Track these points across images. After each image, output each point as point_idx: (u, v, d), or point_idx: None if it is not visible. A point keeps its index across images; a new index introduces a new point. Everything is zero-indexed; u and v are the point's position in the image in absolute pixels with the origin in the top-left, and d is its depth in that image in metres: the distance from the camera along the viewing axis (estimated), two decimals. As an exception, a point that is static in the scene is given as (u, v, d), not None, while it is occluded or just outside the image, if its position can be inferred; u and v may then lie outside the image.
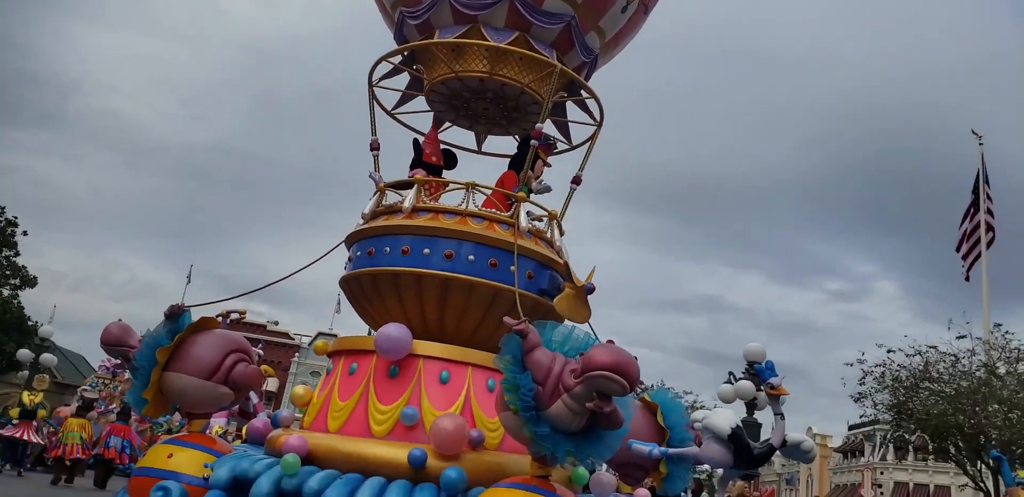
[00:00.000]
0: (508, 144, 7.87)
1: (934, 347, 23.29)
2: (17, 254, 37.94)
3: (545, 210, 6.73)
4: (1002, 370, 22.31)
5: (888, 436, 37.87)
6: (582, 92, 7.23)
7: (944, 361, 23.09)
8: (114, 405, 22.12)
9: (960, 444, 22.73)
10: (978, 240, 27.07)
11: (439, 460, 4.88)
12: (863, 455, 57.82)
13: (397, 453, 4.94)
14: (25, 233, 38.15)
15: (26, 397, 19.03)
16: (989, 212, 27.44)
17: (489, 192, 6.50)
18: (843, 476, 60.61)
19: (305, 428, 5.78)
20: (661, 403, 5.48)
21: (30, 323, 37.16)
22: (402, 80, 7.66)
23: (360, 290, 6.27)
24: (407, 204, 6.23)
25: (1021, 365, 22.61)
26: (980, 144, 28.90)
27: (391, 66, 7.35)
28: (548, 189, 6.99)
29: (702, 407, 25.62)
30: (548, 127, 7.28)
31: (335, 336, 7.61)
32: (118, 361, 6.78)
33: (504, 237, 6.03)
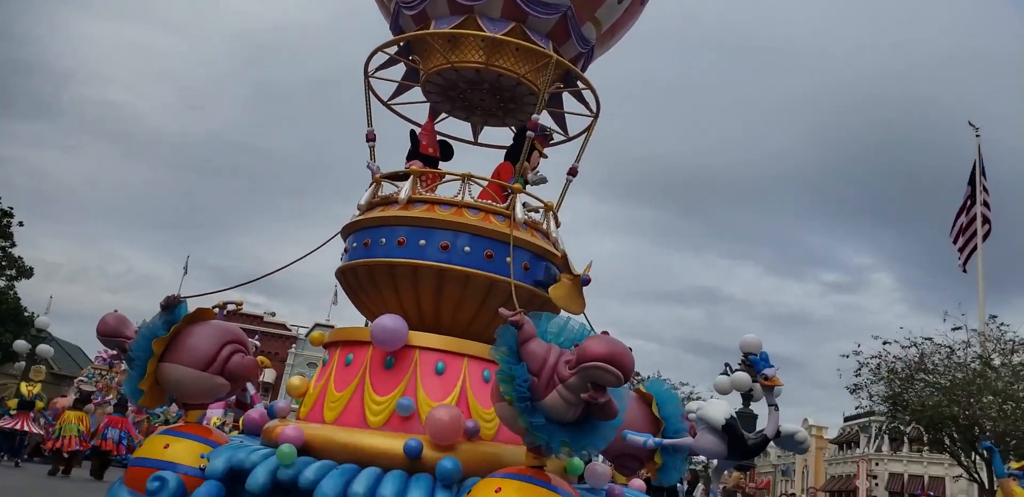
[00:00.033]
0: (504, 135, 7.87)
1: (929, 339, 23.40)
2: (13, 245, 37.86)
3: (541, 201, 6.73)
4: (997, 362, 22.41)
5: (883, 427, 38.04)
6: (578, 83, 7.21)
7: (939, 353, 23.19)
8: (111, 396, 22.18)
9: (955, 435, 22.85)
10: (975, 232, 27.11)
11: (435, 450, 4.89)
12: (858, 446, 58.11)
13: (393, 444, 4.95)
14: (21, 224, 38.08)
15: (24, 388, 19.07)
16: (986, 204, 27.46)
17: (485, 183, 6.49)
18: (838, 467, 60.91)
19: (301, 419, 5.79)
20: (656, 394, 5.49)
21: (26, 314, 37.15)
22: (398, 71, 7.64)
23: (356, 281, 6.27)
24: (403, 195, 6.23)
25: (1016, 357, 22.71)
26: (977, 135, 28.90)
27: (387, 57, 7.33)
28: (544, 180, 6.99)
29: (699, 398, 25.71)
30: (544, 118, 7.26)
31: (332, 327, 7.65)
32: (114, 352, 6.78)
33: (500, 228, 6.03)
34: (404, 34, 7.08)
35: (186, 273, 49.91)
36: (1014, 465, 10.48)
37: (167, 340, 5.42)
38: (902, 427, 29.54)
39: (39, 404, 18.92)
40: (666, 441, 5.06)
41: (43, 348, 22.33)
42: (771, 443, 5.13)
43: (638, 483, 6.04)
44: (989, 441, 14.46)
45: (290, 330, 60.46)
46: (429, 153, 7.09)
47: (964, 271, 27.59)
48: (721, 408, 4.79)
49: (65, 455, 16.78)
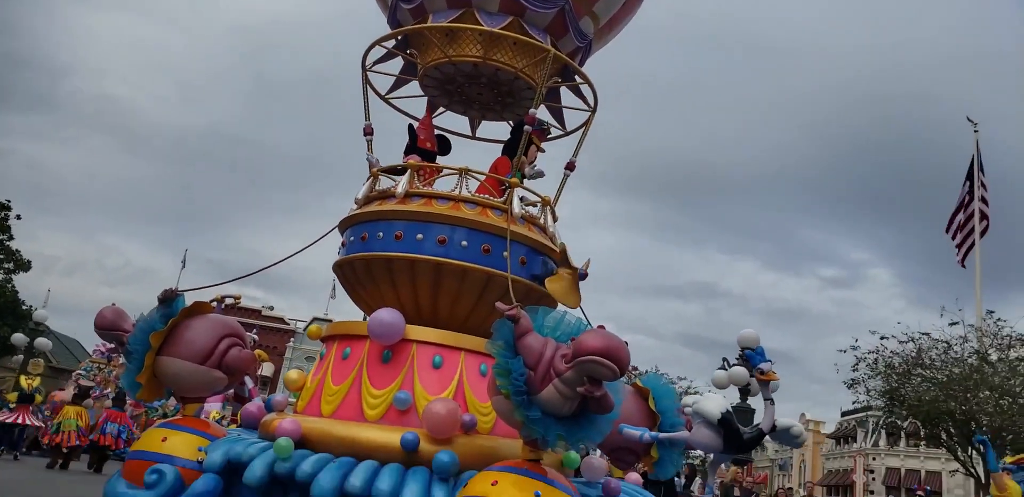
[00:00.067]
0: (502, 129, 7.86)
1: (927, 334, 23.49)
2: (11, 238, 37.82)
3: (539, 196, 6.73)
4: (994, 357, 22.48)
5: (880, 422, 38.16)
6: (576, 77, 7.21)
7: (936, 348, 23.28)
8: (109, 389, 22.20)
9: (951, 430, 22.94)
10: (972, 228, 27.14)
11: (431, 444, 4.90)
12: (855, 441, 58.27)
13: (390, 437, 4.96)
14: (19, 217, 38.05)
15: (24, 381, 19.10)
16: (983, 200, 27.49)
17: (482, 178, 6.50)
18: (835, 462, 61.10)
19: (299, 412, 5.80)
20: (653, 388, 5.50)
21: (24, 307, 37.14)
22: (396, 65, 7.64)
23: (353, 275, 6.28)
24: (400, 189, 6.23)
25: (1013, 352, 22.78)
26: (975, 131, 28.93)
27: (385, 51, 7.32)
28: (541, 174, 6.99)
29: (696, 393, 25.76)
30: (542, 112, 7.26)
31: (330, 321, 7.69)
32: (112, 345, 6.78)
33: (497, 223, 6.03)
34: (402, 28, 7.07)
35: (184, 267, 50.03)
36: (1008, 459, 10.52)
37: (165, 334, 5.43)
38: (899, 422, 29.65)
39: (38, 398, 18.95)
40: (662, 435, 5.08)
41: (41, 341, 22.34)
42: (768, 437, 5.16)
43: (634, 477, 6.06)
44: (983, 434, 14.49)
45: (288, 324, 60.50)
46: (427, 147, 7.09)
47: (963, 266, 27.64)
48: (717, 402, 4.81)
49: (64, 450, 16.83)
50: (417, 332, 5.62)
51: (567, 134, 7.71)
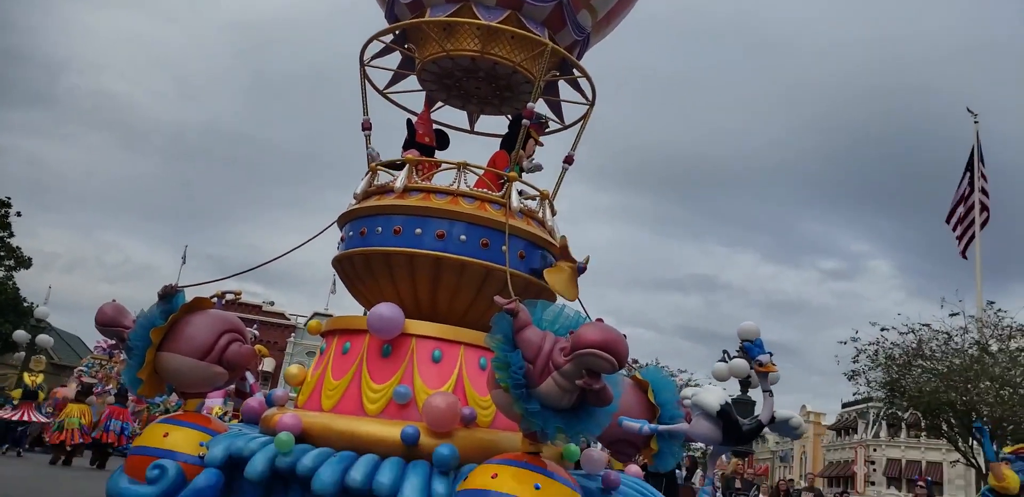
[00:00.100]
0: (501, 123, 7.86)
1: (927, 325, 23.47)
2: (11, 235, 37.80)
3: (537, 190, 6.73)
4: (994, 347, 22.48)
5: (881, 413, 38.17)
6: (574, 71, 7.20)
7: (937, 339, 23.26)
8: (111, 386, 22.24)
9: (952, 421, 22.95)
10: (973, 220, 27.13)
11: (432, 437, 4.92)
12: (856, 432, 58.38)
13: (390, 431, 4.98)
14: (19, 214, 38.02)
15: (27, 378, 19.16)
16: (984, 191, 27.46)
17: (481, 172, 6.50)
18: (836, 453, 61.22)
19: (299, 407, 5.82)
20: (652, 381, 5.51)
21: (25, 304, 37.15)
22: (394, 60, 7.63)
23: (353, 270, 6.29)
24: (399, 184, 6.23)
25: (1013, 343, 22.77)
26: (975, 122, 28.86)
27: (383, 45, 7.32)
28: (539, 168, 6.99)
29: (697, 385, 25.79)
30: (540, 106, 7.26)
31: (331, 316, 7.72)
32: (113, 342, 6.80)
33: (495, 217, 6.04)
34: (399, 22, 7.07)
35: (184, 263, 49.97)
36: (1007, 449, 10.54)
37: (165, 330, 5.45)
38: (900, 413, 29.66)
39: (40, 395, 19.01)
40: (661, 427, 5.10)
41: (43, 338, 22.39)
42: (767, 429, 5.17)
43: (634, 469, 6.08)
44: (983, 423, 14.51)
45: (289, 319, 60.48)
46: (425, 142, 7.09)
47: (964, 257, 27.63)
48: (716, 394, 4.82)
49: (68, 448, 16.89)
50: (416, 326, 5.63)
51: (565, 128, 7.71)
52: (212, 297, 6.42)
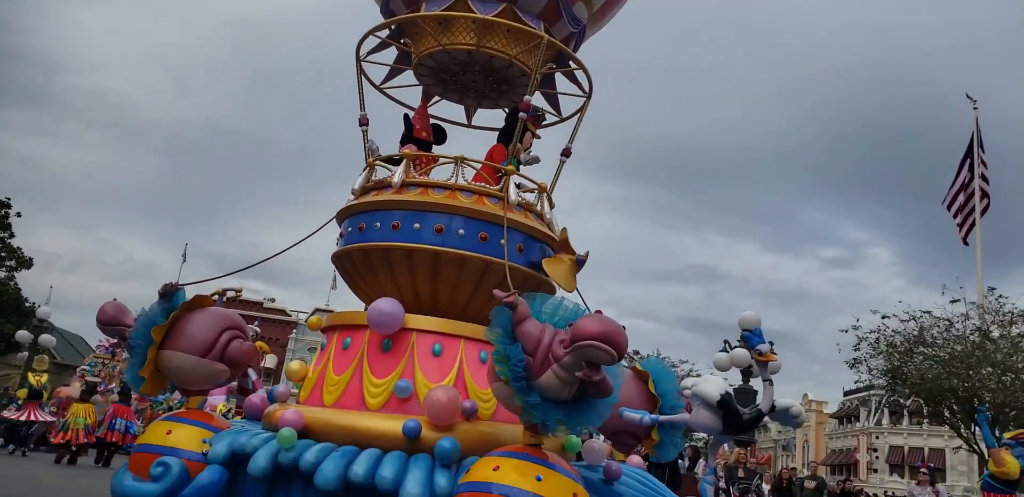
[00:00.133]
0: (498, 117, 7.86)
1: (928, 312, 23.49)
2: (11, 236, 37.81)
3: (535, 183, 6.73)
4: (996, 334, 22.49)
5: (883, 401, 38.31)
6: (571, 63, 7.19)
7: (938, 326, 23.28)
8: (114, 384, 22.29)
9: (954, 407, 22.98)
10: (973, 207, 27.12)
11: (433, 431, 4.94)
12: (858, 420, 58.46)
13: (392, 425, 5.00)
14: (19, 214, 38.01)
15: (32, 378, 19.22)
16: (984, 178, 27.44)
17: (479, 166, 6.50)
18: (839, 441, 61.33)
19: (301, 403, 5.84)
20: (652, 372, 5.53)
21: (27, 305, 37.19)
22: (391, 55, 7.62)
23: (352, 265, 6.30)
24: (396, 179, 6.24)
25: (1015, 328, 22.79)
26: (975, 108, 28.83)
27: (379, 41, 7.30)
28: (537, 160, 6.99)
29: (698, 375, 25.80)
30: (537, 99, 7.26)
31: (332, 312, 7.73)
32: (115, 340, 6.82)
33: (494, 211, 6.04)
34: (395, 17, 7.05)
35: (185, 261, 49.99)
36: (1008, 435, 10.58)
37: (166, 328, 5.46)
38: (902, 400, 29.81)
39: (44, 394, 19.07)
40: (662, 417, 5.12)
41: (45, 338, 22.40)
42: (768, 418, 5.19)
43: (636, 459, 6.10)
44: (985, 409, 14.51)
45: (290, 316, 60.54)
46: (422, 137, 7.09)
47: (966, 244, 27.64)
48: (716, 384, 4.83)
49: (73, 448, 16.94)
50: (416, 321, 5.64)
51: (563, 120, 7.70)
52: (213, 295, 6.43)
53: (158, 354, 5.47)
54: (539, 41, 6.56)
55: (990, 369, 21.46)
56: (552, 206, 6.86)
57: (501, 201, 6.15)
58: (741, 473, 16.05)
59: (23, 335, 22.33)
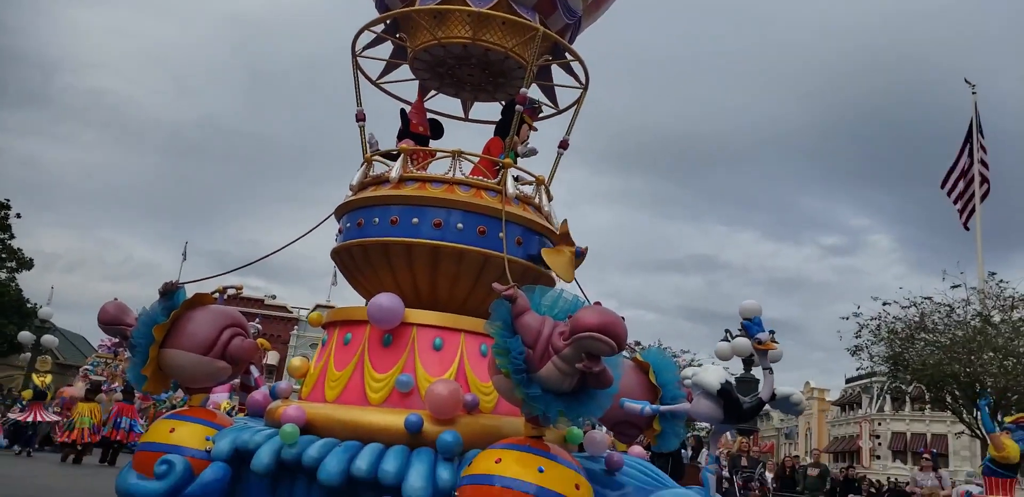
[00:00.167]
0: (495, 110, 7.85)
1: (929, 298, 23.51)
2: (12, 237, 37.86)
3: (532, 175, 6.73)
4: (997, 318, 22.52)
5: (885, 388, 38.36)
6: (567, 55, 7.18)
7: (939, 311, 23.29)
8: (117, 383, 22.35)
9: (956, 393, 23.03)
10: (973, 193, 27.10)
11: (435, 425, 4.96)
12: (861, 407, 58.65)
13: (394, 419, 5.02)
14: (19, 216, 38.06)
15: (36, 379, 19.30)
16: (983, 163, 27.42)
17: (476, 159, 6.50)
18: (841, 428, 61.54)
19: (303, 399, 5.86)
20: (653, 362, 5.53)
21: (29, 305, 37.27)
22: (386, 50, 7.61)
23: (352, 261, 6.31)
24: (394, 174, 6.24)
25: (1016, 313, 22.81)
26: (973, 93, 28.76)
27: (374, 36, 7.29)
28: (534, 152, 6.99)
29: (700, 365, 25.86)
30: (534, 91, 7.25)
31: (333, 308, 7.72)
32: (117, 340, 6.83)
33: (492, 204, 6.05)
34: (390, 12, 7.04)
35: (185, 259, 50.02)
36: (1008, 419, 10.61)
37: (167, 326, 5.48)
38: (903, 387, 29.84)
39: (47, 395, 19.13)
40: (663, 407, 5.12)
41: (48, 338, 22.44)
42: (769, 406, 5.20)
43: (638, 450, 6.13)
44: (989, 395, 14.55)
45: (291, 312, 60.58)
46: (419, 132, 7.09)
47: (966, 229, 27.64)
48: (716, 373, 4.83)
49: (78, 447, 17.00)
50: (417, 315, 5.65)
51: (560, 112, 7.70)
52: (213, 293, 6.43)
53: (160, 353, 5.48)
54: (534, 33, 6.54)
55: (991, 354, 21.49)
56: (550, 198, 6.86)
57: (499, 194, 6.16)
58: (744, 462, 16.13)
59: (26, 336, 22.37)
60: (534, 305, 4.32)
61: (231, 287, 6.96)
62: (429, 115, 7.48)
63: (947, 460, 46.99)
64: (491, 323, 4.29)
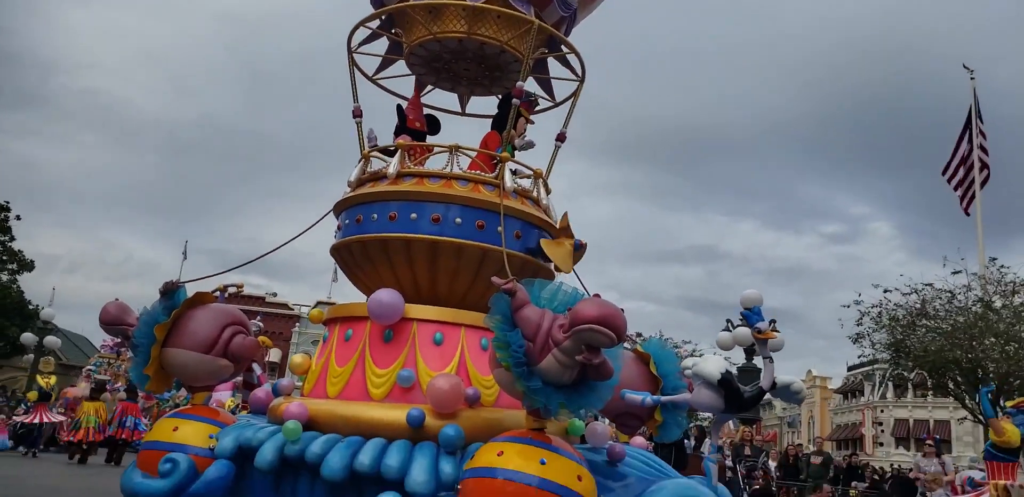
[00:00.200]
0: (492, 104, 7.84)
1: (930, 285, 23.55)
2: (12, 239, 37.88)
3: (530, 169, 6.73)
4: (998, 304, 22.55)
5: (887, 375, 38.42)
6: (563, 48, 7.17)
7: (940, 298, 23.32)
8: (120, 383, 22.41)
9: (958, 379, 23.07)
10: (973, 179, 27.09)
11: (437, 419, 4.97)
12: (863, 395, 58.76)
13: (396, 414, 5.03)
14: (19, 217, 38.08)
15: (41, 380, 19.38)
16: (983, 149, 27.40)
17: (473, 154, 6.50)
18: (844, 416, 61.67)
19: (305, 395, 5.88)
20: (653, 353, 5.55)
21: (31, 307, 37.30)
22: (382, 45, 7.59)
23: (351, 257, 6.32)
24: (392, 170, 6.24)
25: (1017, 298, 22.84)
26: (972, 79, 28.72)
27: (370, 31, 7.28)
28: (531, 145, 6.99)
29: (701, 355, 25.90)
30: (531, 84, 7.23)
31: (334, 304, 7.73)
32: (119, 340, 6.86)
33: (490, 198, 6.05)
34: (385, 7, 7.02)
35: (185, 258, 50.06)
36: (1009, 403, 10.66)
37: (169, 325, 5.49)
38: (905, 373, 29.83)
39: (51, 396, 19.21)
40: (664, 398, 5.14)
41: (50, 340, 22.50)
42: (770, 395, 5.22)
43: (639, 441, 6.15)
44: (992, 382, 14.60)
45: (292, 309, 60.65)
46: (416, 127, 7.08)
47: (967, 214, 27.64)
48: (716, 363, 4.85)
49: (84, 447, 17.06)
50: (417, 310, 5.67)
51: (557, 105, 7.69)
52: (214, 291, 6.45)
53: (162, 352, 5.50)
54: (530, 26, 6.53)
55: (993, 339, 21.53)
56: (549, 192, 6.86)
57: (497, 188, 6.16)
58: (748, 451, 16.17)
59: (28, 337, 22.42)
60: (533, 298, 4.33)
61: (232, 285, 6.97)
62: (426, 110, 7.47)
63: (950, 446, 47.04)
64: (491, 317, 4.30)
